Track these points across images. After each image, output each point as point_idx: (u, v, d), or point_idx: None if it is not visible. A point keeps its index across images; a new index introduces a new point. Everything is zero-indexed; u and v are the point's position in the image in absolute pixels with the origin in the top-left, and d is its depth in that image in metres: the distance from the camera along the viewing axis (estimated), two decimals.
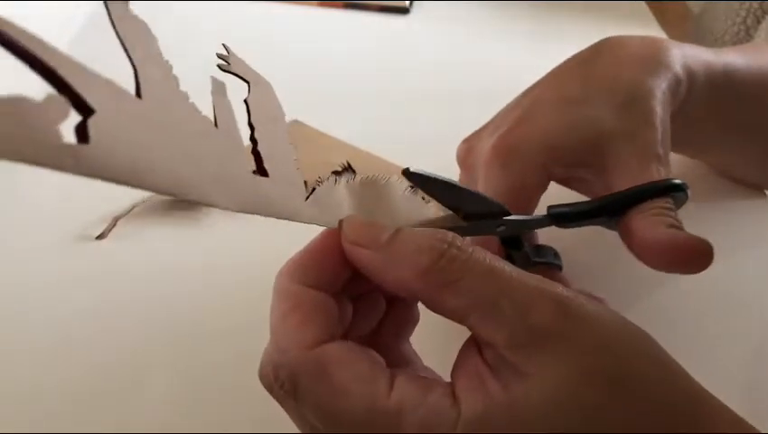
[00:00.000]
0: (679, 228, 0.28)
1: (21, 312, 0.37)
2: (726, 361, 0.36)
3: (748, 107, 0.39)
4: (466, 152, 0.37)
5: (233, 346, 0.34)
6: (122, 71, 0.20)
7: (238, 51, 0.24)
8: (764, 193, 0.47)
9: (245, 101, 0.23)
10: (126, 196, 0.42)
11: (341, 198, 0.25)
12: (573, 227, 0.30)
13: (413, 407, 0.21)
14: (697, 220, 0.29)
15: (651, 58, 0.34)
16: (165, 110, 0.20)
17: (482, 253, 0.23)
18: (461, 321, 0.22)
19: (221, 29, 0.64)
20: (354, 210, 0.25)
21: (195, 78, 0.22)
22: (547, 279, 0.23)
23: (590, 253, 0.31)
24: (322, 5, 0.69)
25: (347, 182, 0.25)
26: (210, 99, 0.22)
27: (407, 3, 0.69)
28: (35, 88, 0.17)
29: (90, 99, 0.17)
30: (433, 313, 0.24)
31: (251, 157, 0.23)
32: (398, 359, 0.27)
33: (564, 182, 0.34)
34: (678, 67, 0.34)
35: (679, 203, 0.30)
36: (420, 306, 0.26)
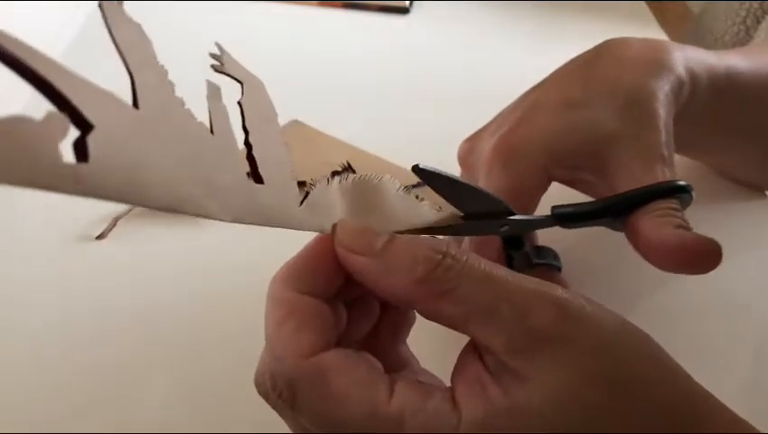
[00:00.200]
0: (687, 228, 0.28)
1: (21, 312, 0.37)
2: (727, 361, 0.36)
3: (750, 109, 0.39)
4: (467, 151, 0.37)
5: (233, 346, 0.34)
6: (122, 72, 0.20)
7: (238, 50, 0.24)
8: (765, 195, 0.47)
9: (239, 103, 0.23)
10: None
11: (334, 200, 0.25)
12: (577, 227, 0.30)
13: (413, 412, 0.21)
14: (697, 220, 0.29)
15: (654, 60, 0.34)
16: (162, 119, 0.19)
17: (477, 260, 0.22)
18: (459, 329, 0.22)
19: (221, 29, 0.64)
20: (348, 211, 0.25)
21: (194, 78, 0.22)
22: (545, 282, 0.23)
23: (591, 254, 0.31)
24: (321, 5, 0.69)
25: (340, 183, 0.25)
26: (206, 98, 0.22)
27: (407, 3, 0.69)
28: (24, 96, 0.17)
29: (90, 114, 0.17)
30: None
31: (246, 163, 0.22)
32: (395, 362, 0.27)
33: (567, 183, 0.34)
34: (680, 69, 0.34)
35: (684, 205, 0.30)
36: None
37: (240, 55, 0.24)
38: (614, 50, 0.35)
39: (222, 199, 0.21)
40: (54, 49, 0.58)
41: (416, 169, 0.25)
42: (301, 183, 0.24)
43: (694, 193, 0.30)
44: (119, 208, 0.42)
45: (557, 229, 0.30)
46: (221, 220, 0.21)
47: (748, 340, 0.37)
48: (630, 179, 0.30)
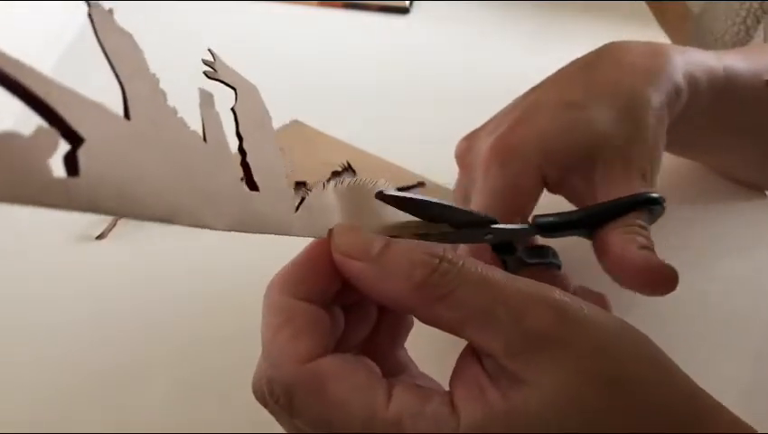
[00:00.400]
0: (650, 249, 0.29)
1: (20, 312, 0.37)
2: (727, 362, 0.36)
3: (749, 109, 0.39)
4: (465, 150, 0.37)
5: (233, 346, 0.34)
6: (113, 83, 0.19)
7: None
8: (765, 195, 0.47)
9: (232, 110, 0.23)
10: None
11: (330, 205, 0.24)
12: (556, 237, 0.31)
13: (412, 416, 0.21)
14: (697, 221, 0.29)
15: (652, 67, 0.34)
16: (154, 129, 0.19)
17: (473, 264, 0.22)
18: (456, 333, 0.22)
19: (221, 29, 0.65)
20: (343, 215, 0.24)
21: (195, 78, 0.22)
22: (542, 284, 0.23)
23: (590, 253, 0.31)
24: (322, 5, 0.69)
25: (335, 187, 0.25)
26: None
27: (407, 3, 0.69)
28: (15, 110, 0.16)
29: (79, 127, 0.17)
30: None
31: (240, 170, 0.22)
32: (393, 366, 0.26)
33: (556, 187, 0.34)
34: (679, 76, 0.34)
35: (656, 216, 0.31)
36: None
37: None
38: (615, 53, 0.35)
39: (217, 208, 0.20)
40: (53, 50, 0.58)
41: (380, 196, 0.25)
42: (301, 183, 0.24)
43: (692, 197, 0.30)
44: None
45: None
46: (216, 229, 0.20)
47: (748, 340, 0.37)
48: (611, 187, 0.31)
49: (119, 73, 0.19)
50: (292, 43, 0.64)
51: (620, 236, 0.30)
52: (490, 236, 0.29)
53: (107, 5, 0.19)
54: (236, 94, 0.23)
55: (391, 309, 0.26)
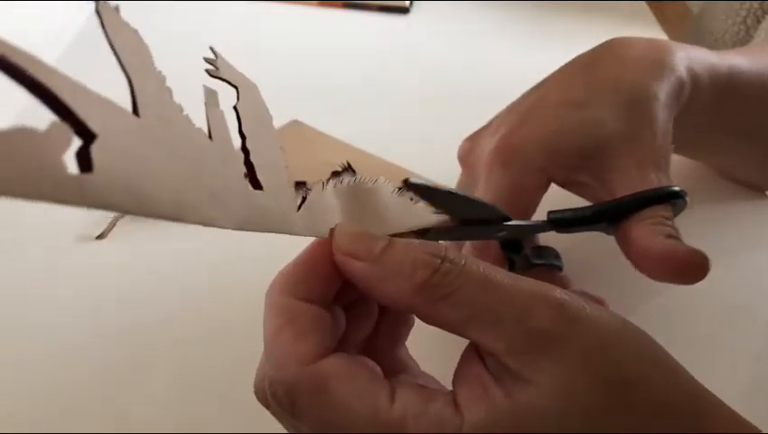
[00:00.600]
0: (678, 238, 0.29)
1: (20, 311, 0.37)
2: (728, 362, 0.36)
3: (751, 109, 0.39)
4: (467, 151, 0.37)
5: (234, 346, 0.34)
6: (120, 78, 0.19)
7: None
8: (765, 195, 0.47)
9: (234, 108, 0.23)
10: None
11: (330, 204, 0.24)
12: (572, 232, 0.30)
13: (415, 417, 0.21)
14: (697, 221, 0.29)
15: (655, 61, 0.34)
16: (161, 126, 0.19)
17: (475, 263, 0.22)
18: (459, 333, 0.22)
19: (222, 29, 0.65)
20: (344, 215, 0.24)
21: (195, 78, 0.22)
22: (544, 283, 0.22)
23: (592, 254, 0.31)
24: (322, 5, 0.69)
25: (335, 186, 0.25)
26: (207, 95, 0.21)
27: (407, 3, 0.69)
28: (19, 102, 0.16)
29: (92, 123, 0.16)
30: None
31: (244, 168, 0.22)
32: (394, 365, 0.26)
33: (565, 185, 0.34)
34: (682, 70, 0.34)
35: (678, 210, 0.30)
36: None
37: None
38: (617, 49, 0.35)
39: (224, 206, 0.20)
40: (53, 50, 0.58)
41: (408, 184, 0.25)
42: (301, 184, 0.24)
43: (688, 199, 0.30)
44: None
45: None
46: (223, 228, 0.20)
47: (749, 340, 0.37)
48: (625, 184, 0.31)
49: (127, 69, 0.19)
50: (292, 43, 0.64)
51: (645, 228, 0.29)
52: (503, 233, 0.28)
53: (112, 3, 0.19)
54: (238, 92, 0.23)
55: (393, 309, 0.26)
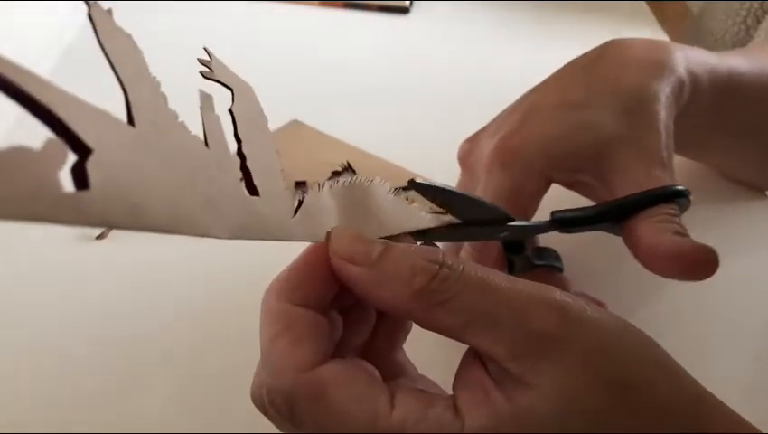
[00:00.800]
0: (685, 235, 0.28)
1: (20, 312, 0.37)
2: (728, 362, 0.36)
3: (750, 110, 0.39)
4: (467, 152, 0.37)
5: (234, 347, 0.34)
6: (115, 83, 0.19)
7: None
8: (765, 195, 0.47)
9: (230, 111, 0.22)
10: None
11: (327, 206, 0.24)
12: (576, 232, 0.30)
13: (415, 422, 0.21)
14: (697, 221, 0.29)
15: (655, 61, 0.34)
16: (156, 134, 0.18)
17: (473, 268, 0.22)
18: (458, 338, 0.22)
19: (222, 28, 0.64)
20: (340, 217, 0.24)
21: (194, 77, 0.22)
22: (543, 285, 0.22)
23: (593, 256, 0.31)
24: (322, 5, 0.69)
25: (331, 188, 0.24)
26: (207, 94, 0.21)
27: (407, 3, 0.69)
28: (10, 116, 0.16)
29: (88, 138, 0.16)
30: None
31: (240, 174, 0.22)
32: (392, 368, 0.26)
33: (567, 185, 0.34)
34: (681, 70, 0.34)
35: (683, 209, 0.30)
36: None
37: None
38: (616, 50, 0.35)
39: (219, 213, 0.20)
40: (53, 50, 0.58)
41: (412, 183, 0.24)
42: (301, 183, 0.24)
43: (692, 197, 0.30)
44: None
45: (557, 232, 0.30)
46: (219, 237, 0.20)
47: (749, 341, 0.37)
48: (629, 183, 0.30)
49: (121, 76, 0.18)
50: (292, 43, 0.64)
51: (652, 226, 0.29)
52: (506, 233, 0.28)
53: (105, 5, 0.19)
54: (233, 95, 0.23)
55: (391, 314, 0.26)
